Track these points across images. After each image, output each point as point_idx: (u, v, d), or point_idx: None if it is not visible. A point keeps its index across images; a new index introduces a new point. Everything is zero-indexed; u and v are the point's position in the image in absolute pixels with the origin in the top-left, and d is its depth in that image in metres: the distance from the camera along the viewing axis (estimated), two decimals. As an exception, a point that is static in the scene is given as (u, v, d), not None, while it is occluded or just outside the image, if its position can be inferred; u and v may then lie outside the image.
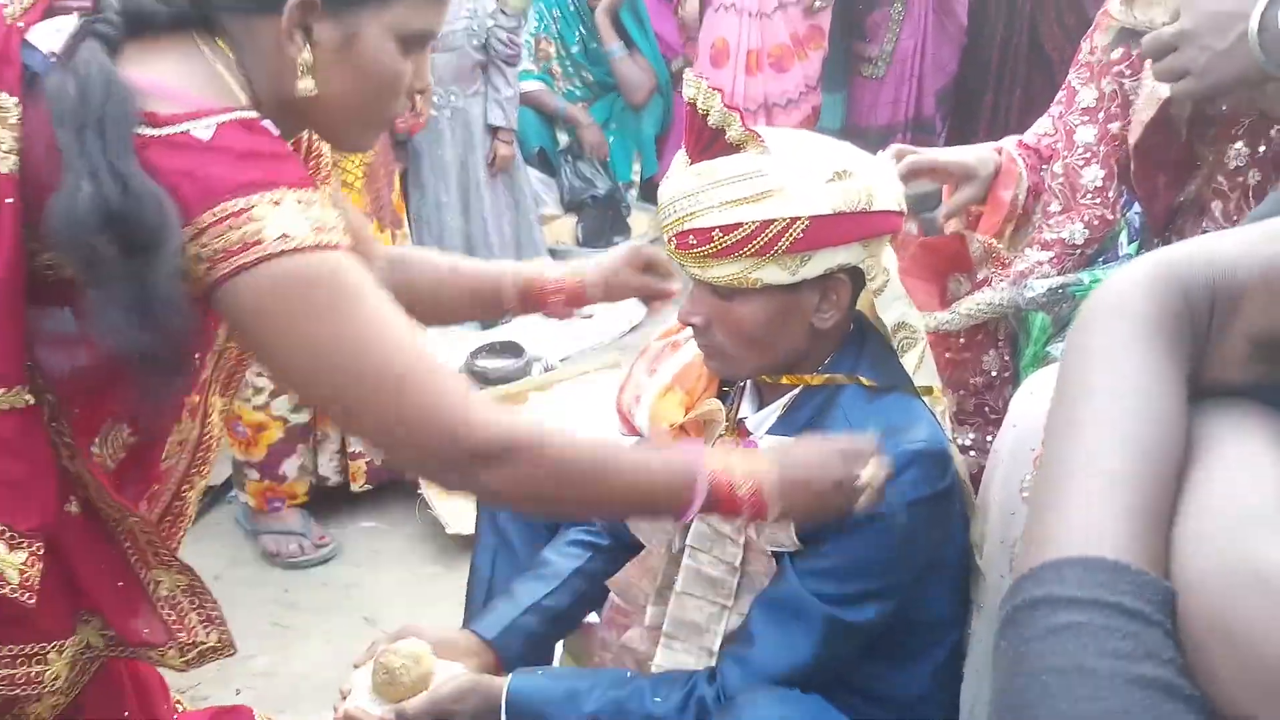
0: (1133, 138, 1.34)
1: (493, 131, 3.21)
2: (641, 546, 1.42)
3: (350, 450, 2.29)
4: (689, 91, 1.20)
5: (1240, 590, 0.40)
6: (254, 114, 0.90)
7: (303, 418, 2.21)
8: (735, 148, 1.19)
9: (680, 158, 1.26)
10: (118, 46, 0.89)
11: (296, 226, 0.85)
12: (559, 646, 1.60)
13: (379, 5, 0.94)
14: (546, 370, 2.95)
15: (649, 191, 4.02)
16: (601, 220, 3.65)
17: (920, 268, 1.51)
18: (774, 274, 1.18)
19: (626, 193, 3.90)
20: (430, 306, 1.34)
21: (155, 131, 0.84)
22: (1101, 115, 1.44)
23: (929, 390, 1.29)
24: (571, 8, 3.80)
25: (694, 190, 1.19)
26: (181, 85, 0.89)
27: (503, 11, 3.14)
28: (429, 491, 2.37)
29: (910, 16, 3.87)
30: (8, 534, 0.90)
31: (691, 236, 1.19)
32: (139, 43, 0.91)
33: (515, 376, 2.86)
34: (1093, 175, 1.41)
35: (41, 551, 0.91)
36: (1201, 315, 0.49)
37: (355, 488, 2.33)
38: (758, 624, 1.26)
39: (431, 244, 3.25)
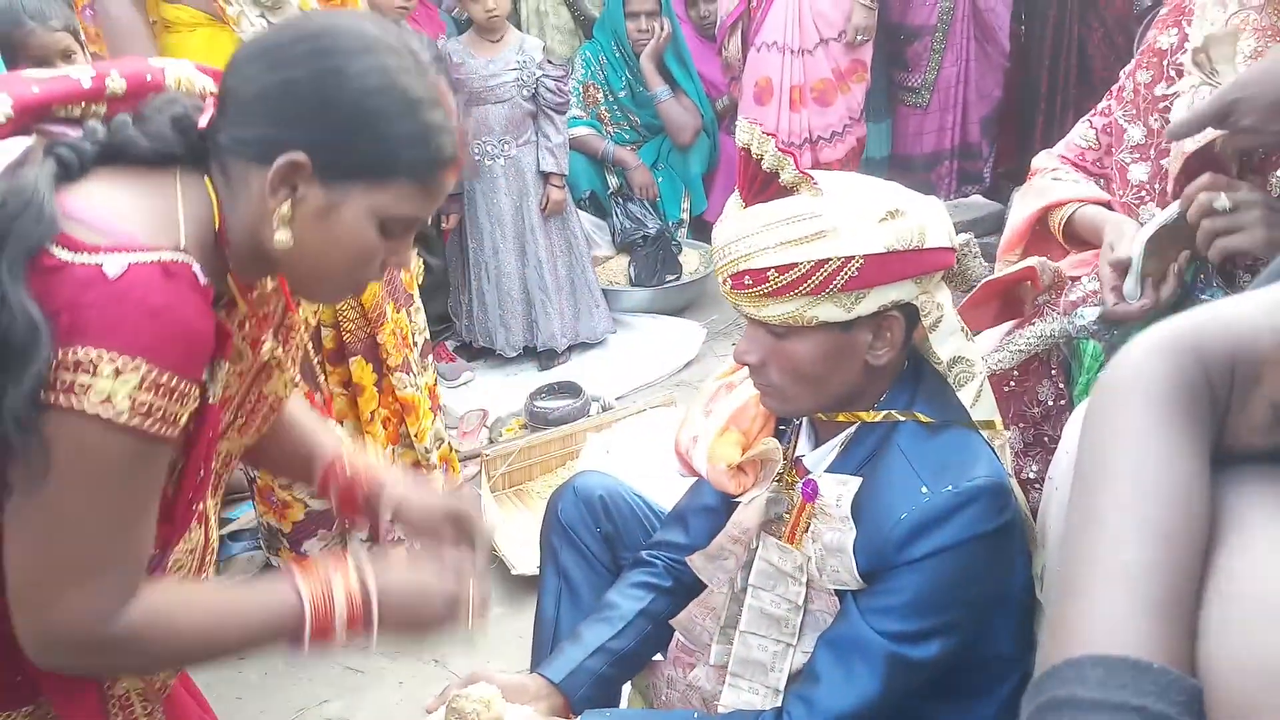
0: (1174, 168, 1.35)
1: (545, 177, 3.28)
2: (704, 586, 1.44)
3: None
4: (743, 137, 1.23)
5: (1268, 684, 0.39)
6: (183, 258, 0.89)
7: (321, 506, 2.20)
8: (789, 190, 1.22)
9: (734, 200, 1.28)
10: (76, 173, 0.90)
11: (121, 400, 0.85)
12: (627, 686, 1.62)
13: (368, 186, 0.96)
14: (604, 410, 2.98)
15: (699, 229, 4.05)
16: (653, 259, 3.69)
17: (979, 304, 1.51)
18: (829, 312, 1.20)
19: (676, 231, 3.94)
20: (262, 453, 1.30)
21: (67, 257, 0.84)
22: (1153, 152, 1.44)
23: (989, 424, 1.30)
24: (617, 54, 3.87)
25: (749, 232, 1.22)
26: (117, 216, 0.88)
27: (550, 61, 3.22)
28: (492, 533, 2.41)
29: (951, 45, 3.88)
30: None
31: (747, 277, 1.21)
32: (112, 169, 0.93)
33: (574, 417, 2.90)
34: (1148, 213, 1.41)
35: None
36: (1222, 385, 0.49)
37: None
38: (822, 662, 1.26)
39: (489, 289, 3.33)
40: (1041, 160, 1.67)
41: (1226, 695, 0.40)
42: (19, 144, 0.91)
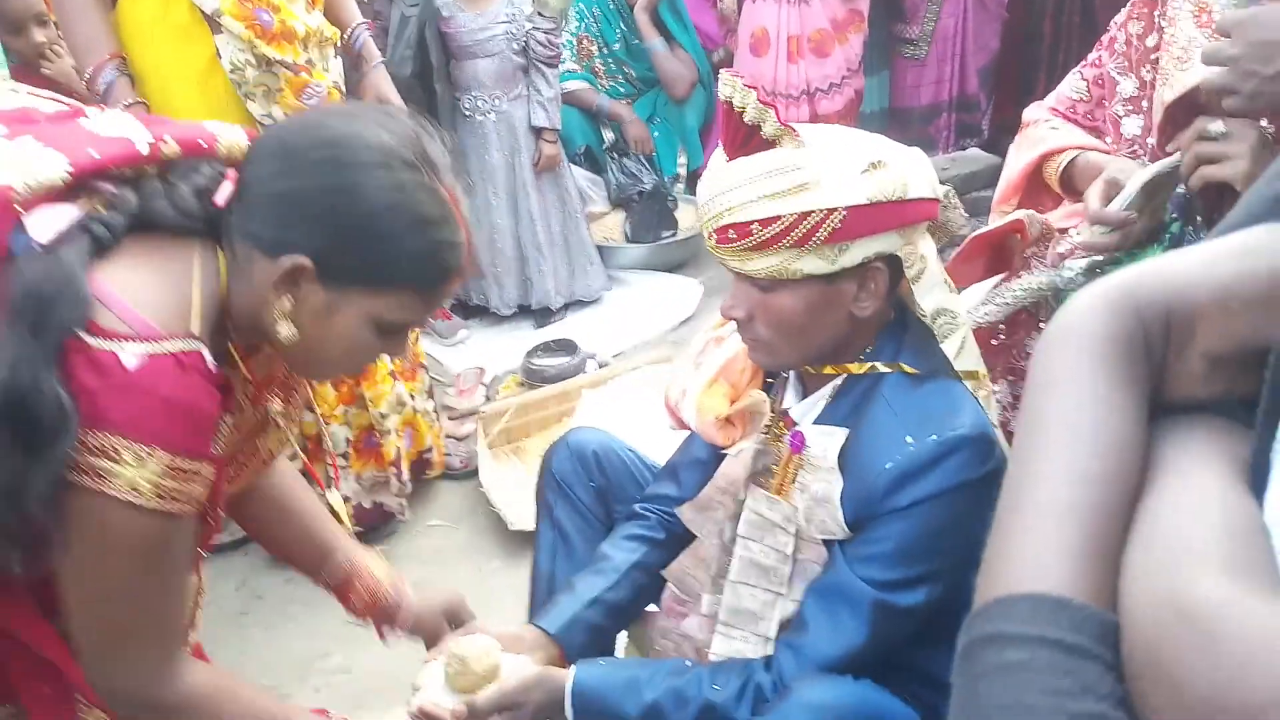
0: (1156, 118, 1.34)
1: (537, 132, 3.26)
2: (694, 537, 1.46)
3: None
4: (725, 90, 1.22)
5: (1169, 625, 0.40)
6: (195, 347, 0.93)
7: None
8: (771, 143, 1.21)
9: (718, 155, 1.28)
10: (110, 246, 0.93)
11: (145, 487, 0.90)
12: (621, 637, 1.65)
13: (370, 292, 0.99)
14: (601, 366, 2.99)
15: (695, 183, 4.03)
16: (649, 215, 3.68)
17: (968, 259, 1.51)
18: (813, 264, 1.21)
19: (673, 186, 3.92)
20: (263, 534, 1.40)
21: (90, 340, 0.87)
22: (1145, 104, 1.43)
23: (973, 375, 1.30)
24: (611, 6, 3.82)
25: (732, 186, 1.22)
26: (140, 302, 0.91)
27: (540, 14, 3.19)
28: (490, 489, 2.43)
29: (950, -6, 3.84)
30: None
31: (731, 231, 1.21)
32: (139, 238, 0.95)
33: (571, 374, 2.91)
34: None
35: None
36: (1157, 337, 0.50)
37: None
38: (810, 611, 1.29)
39: (482, 245, 3.32)
40: (1032, 112, 1.66)
41: (1138, 631, 0.42)
42: (65, 214, 0.93)
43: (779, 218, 1.18)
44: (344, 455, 2.26)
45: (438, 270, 1.02)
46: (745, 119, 1.21)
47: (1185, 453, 0.48)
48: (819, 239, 1.18)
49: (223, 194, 0.99)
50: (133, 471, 0.89)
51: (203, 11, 1.82)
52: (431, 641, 1.44)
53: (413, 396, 2.38)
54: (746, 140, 1.22)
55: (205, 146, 1.04)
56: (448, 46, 3.12)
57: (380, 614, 1.41)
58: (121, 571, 0.96)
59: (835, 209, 1.17)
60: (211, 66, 1.87)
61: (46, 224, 0.92)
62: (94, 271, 0.91)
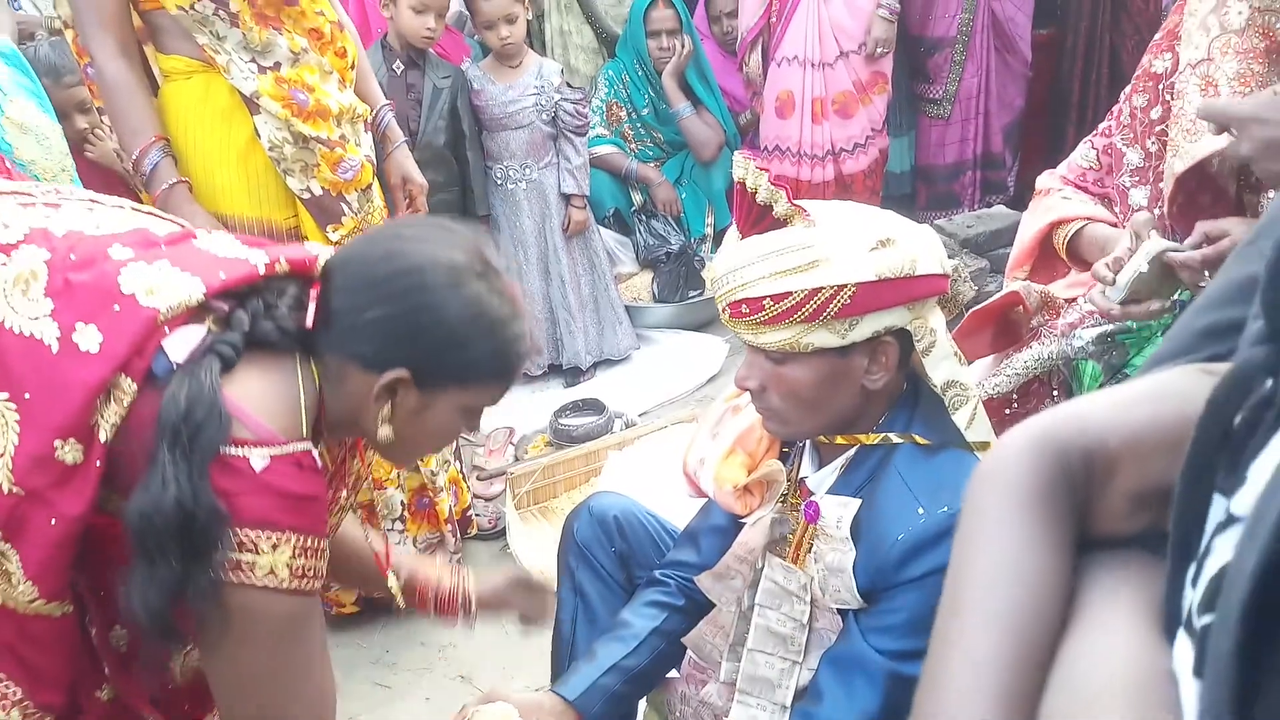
0: (1167, 189, 1.36)
1: (566, 199, 3.33)
2: (714, 605, 1.47)
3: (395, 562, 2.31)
4: (738, 172, 1.27)
5: None
6: (308, 447, 1.04)
7: None
8: (782, 222, 1.26)
9: (732, 233, 1.33)
10: (233, 365, 1.03)
11: (282, 571, 1.00)
12: (642, 703, 1.66)
13: (459, 389, 1.13)
14: (628, 426, 3.02)
15: (723, 242, 4.07)
16: (676, 275, 3.73)
17: (971, 334, 1.54)
18: (824, 338, 1.24)
19: (700, 247, 3.98)
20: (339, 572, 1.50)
21: (224, 450, 0.98)
22: (1152, 175, 1.46)
23: (985, 445, 1.32)
24: (640, 73, 3.92)
25: (745, 263, 1.26)
26: (261, 409, 1.01)
27: (568, 84, 3.28)
28: (517, 551, 2.46)
29: (972, 56, 3.89)
30: (24, 704, 1.04)
31: (745, 305, 1.25)
32: (251, 355, 1.05)
33: (598, 433, 2.94)
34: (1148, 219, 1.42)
35: None
36: (1080, 479, 0.51)
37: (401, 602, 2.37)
38: (825, 680, 1.30)
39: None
40: (1045, 180, 1.69)
41: None
42: (195, 334, 1.03)
43: (790, 293, 1.21)
44: (400, 519, 2.30)
45: (514, 359, 1.16)
46: (758, 199, 1.25)
47: (1104, 596, 0.49)
48: (829, 314, 1.22)
49: (310, 316, 1.09)
50: (269, 558, 0.99)
51: (242, 94, 1.90)
52: (504, 607, 1.61)
53: (448, 458, 2.42)
54: (759, 219, 1.26)
55: (310, 263, 1.13)
56: (479, 118, 3.22)
57: (452, 608, 1.56)
58: (270, 653, 1.03)
59: (845, 285, 1.21)
60: (251, 145, 1.95)
61: (182, 345, 1.02)
62: (223, 388, 1.00)
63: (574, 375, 3.44)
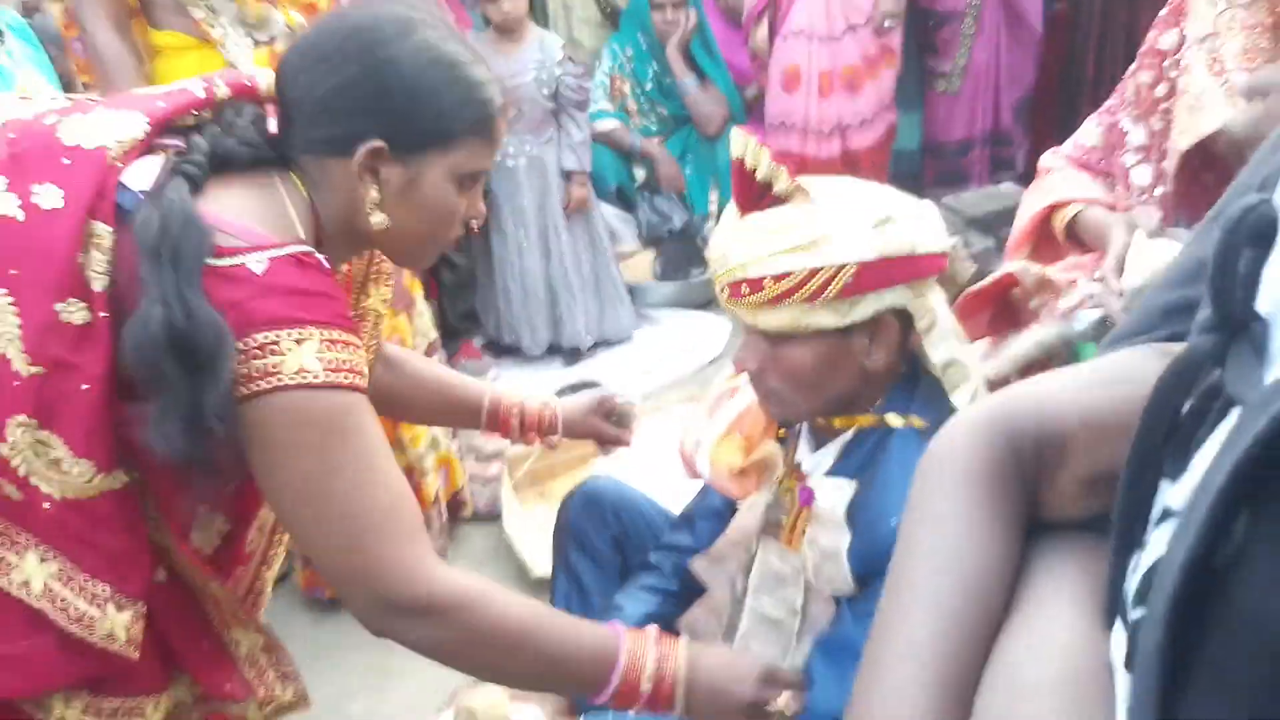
0: (1171, 166, 1.33)
1: (567, 175, 3.29)
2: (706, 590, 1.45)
3: None
4: (736, 149, 1.24)
5: None
6: (308, 248, 1.00)
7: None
8: (782, 200, 1.22)
9: (730, 211, 1.29)
10: (201, 185, 0.99)
11: (312, 364, 0.95)
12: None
13: (441, 150, 1.06)
14: (629, 406, 2.99)
15: (727, 220, 4.04)
16: (679, 254, 3.69)
17: (968, 316, 1.51)
18: (824, 318, 1.21)
19: (704, 224, 3.93)
20: (405, 408, 1.51)
21: (215, 262, 0.94)
22: (1155, 154, 1.43)
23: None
24: (644, 45, 3.87)
25: (745, 242, 1.23)
26: (246, 220, 0.99)
27: (570, 59, 3.23)
28: (513, 536, 2.44)
29: (982, 30, 3.82)
30: (116, 596, 1.00)
31: (744, 286, 1.22)
32: (220, 178, 1.02)
33: (598, 414, 2.91)
34: (1147, 215, 1.40)
35: (144, 611, 1.02)
36: (1030, 462, 0.50)
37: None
38: (817, 666, 1.27)
39: (514, 287, 3.36)
40: (1048, 160, 1.66)
41: None
42: (154, 163, 1.01)
43: (790, 273, 1.19)
44: None
45: (486, 106, 1.09)
46: (757, 176, 1.22)
47: (1048, 583, 0.48)
48: (830, 294, 1.19)
49: (273, 124, 1.07)
50: (296, 356, 0.94)
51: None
52: (587, 432, 1.61)
53: (438, 437, 2.40)
54: (759, 197, 1.23)
55: (250, 86, 1.10)
56: (479, 92, 3.17)
57: (537, 431, 1.55)
58: (325, 455, 0.98)
59: (846, 264, 1.18)
60: None
61: (143, 175, 0.99)
62: (199, 204, 0.97)
63: (573, 356, 3.41)
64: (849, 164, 3.81)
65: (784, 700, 1.14)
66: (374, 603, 1.02)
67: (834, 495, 1.28)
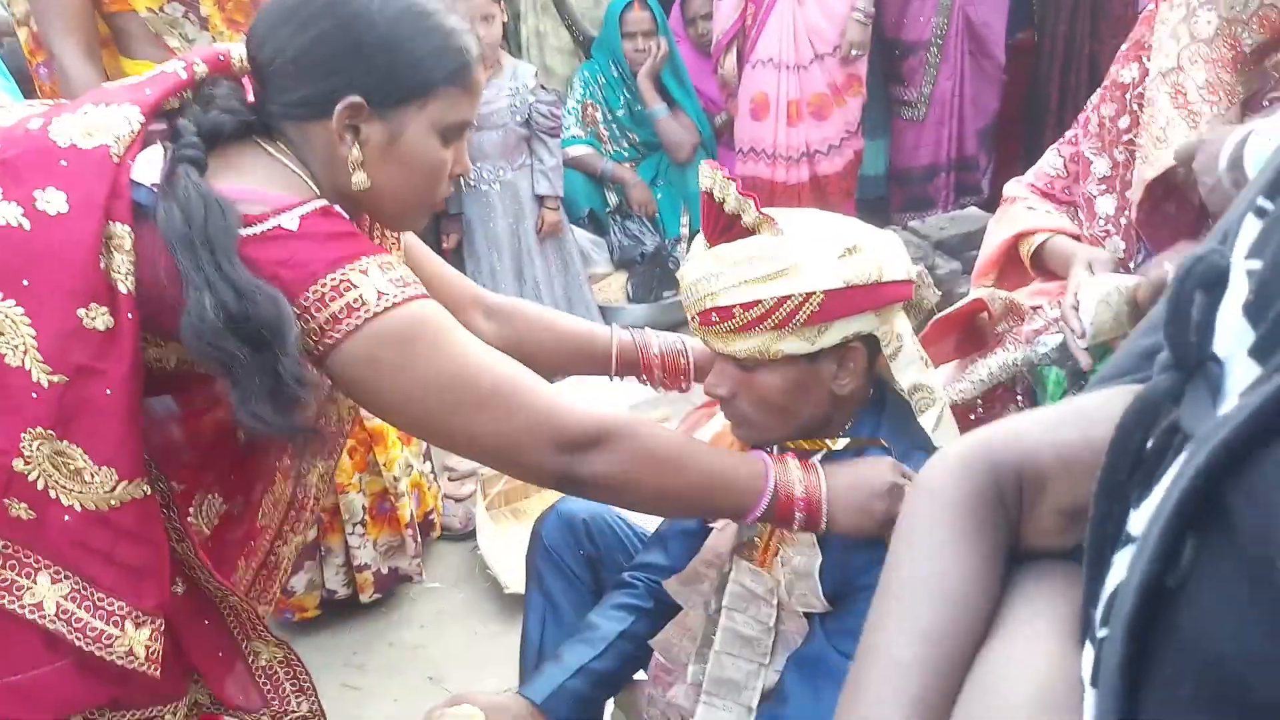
0: (1136, 196, 1.38)
1: (540, 200, 3.33)
2: (681, 607, 1.48)
3: (356, 564, 2.28)
4: (705, 182, 1.27)
5: None
6: (325, 202, 1.01)
7: (306, 538, 2.25)
8: (751, 231, 1.26)
9: (699, 242, 1.33)
10: (205, 166, 0.99)
11: (386, 287, 0.97)
12: (610, 704, 1.66)
13: (420, 103, 1.05)
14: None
15: (698, 244, 4.08)
16: (650, 276, 3.73)
17: (935, 340, 1.55)
18: (793, 345, 1.24)
19: (675, 248, 3.98)
20: (534, 361, 1.44)
21: (249, 230, 0.95)
22: (1119, 184, 1.48)
23: (950, 449, 1.33)
24: (615, 73, 3.92)
25: (714, 271, 1.25)
26: (260, 186, 0.99)
27: (542, 87, 3.28)
28: (487, 553, 2.45)
29: (946, 59, 3.92)
30: (134, 613, 0.99)
31: (714, 314, 1.25)
32: (218, 153, 1.02)
33: (571, 435, 2.93)
34: (1114, 245, 1.45)
35: (162, 628, 1.01)
36: (1012, 495, 0.53)
37: (364, 599, 2.33)
38: (790, 683, 1.30)
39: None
40: (1013, 189, 1.70)
41: None
42: (157, 154, 1.00)
43: (759, 301, 1.22)
44: (361, 523, 2.29)
45: (463, 54, 1.08)
46: (726, 208, 1.25)
47: (1027, 606, 0.51)
48: (799, 321, 1.22)
49: (251, 94, 1.06)
50: (369, 284, 0.95)
51: None
52: None
53: (411, 461, 2.41)
54: (727, 228, 1.27)
55: (224, 61, 1.09)
56: (453, 117, 3.21)
57: (676, 378, 1.51)
58: (444, 360, 0.99)
59: (813, 292, 1.21)
60: None
61: (150, 168, 0.99)
62: (211, 184, 0.97)
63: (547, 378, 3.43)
64: (817, 190, 3.88)
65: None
66: (552, 450, 1.03)
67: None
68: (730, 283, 1.24)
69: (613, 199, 3.94)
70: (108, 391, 0.93)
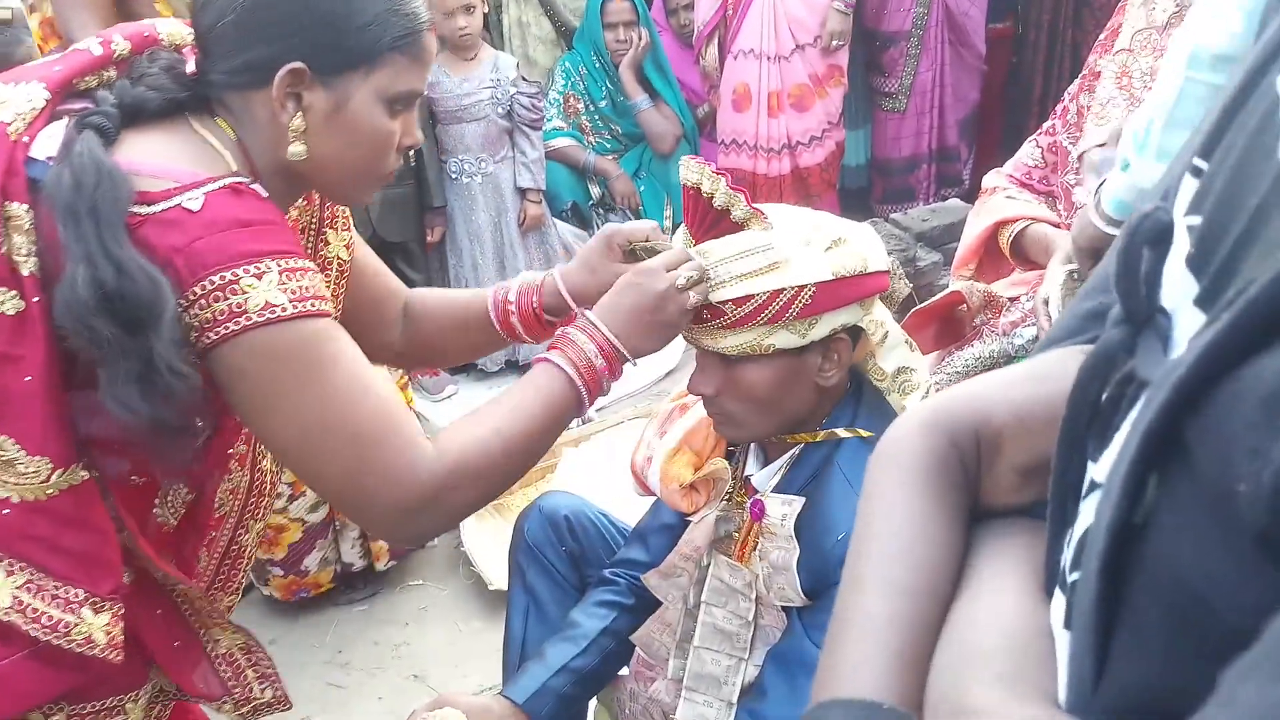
0: (1068, 174, 1.39)
1: (522, 193, 3.32)
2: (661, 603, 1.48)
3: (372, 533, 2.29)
4: (691, 177, 1.25)
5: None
6: (242, 179, 0.96)
7: (319, 517, 2.23)
8: (739, 226, 1.25)
9: (682, 238, 1.32)
10: (114, 136, 0.95)
11: (277, 297, 0.92)
12: (592, 701, 1.66)
13: (365, 71, 1.01)
14: (584, 422, 3.02)
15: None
16: (634, 269, 3.73)
17: (914, 331, 1.56)
18: (784, 339, 1.24)
19: (658, 240, 3.97)
20: (441, 348, 1.41)
21: (148, 209, 0.90)
22: None
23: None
24: (597, 64, 3.90)
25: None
26: (170, 161, 0.94)
27: (524, 78, 3.26)
28: (472, 549, 2.45)
29: (926, 50, 3.92)
30: (91, 599, 0.96)
31: (705, 311, 1.24)
32: (135, 129, 0.98)
33: (554, 429, 2.93)
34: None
35: (121, 612, 0.99)
36: (970, 454, 0.54)
37: (380, 567, 2.35)
38: (769, 677, 1.31)
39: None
40: (992, 179, 1.71)
41: None
42: (59, 127, 0.95)
43: (752, 297, 1.21)
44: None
45: (411, 25, 1.03)
46: (715, 204, 1.25)
47: (992, 562, 0.52)
48: (791, 315, 1.22)
49: (191, 64, 1.01)
50: (259, 291, 0.90)
51: None
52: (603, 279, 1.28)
53: None
54: (715, 223, 1.26)
55: (149, 37, 1.05)
56: (433, 111, 3.19)
57: (539, 322, 1.34)
58: (313, 393, 0.95)
59: (805, 285, 1.21)
60: None
61: (49, 142, 0.94)
62: (113, 155, 0.92)
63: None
64: (799, 181, 3.88)
65: (686, 273, 1.18)
66: (396, 514, 1.00)
67: (783, 510, 1.31)
68: (722, 278, 1.23)
69: (596, 192, 3.93)
70: (27, 378, 0.90)
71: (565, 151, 3.82)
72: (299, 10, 0.97)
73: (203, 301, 0.90)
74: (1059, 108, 1.67)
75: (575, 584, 1.67)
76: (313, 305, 0.95)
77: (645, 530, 1.60)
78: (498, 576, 2.29)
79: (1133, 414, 0.41)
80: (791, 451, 1.36)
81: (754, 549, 1.36)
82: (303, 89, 0.99)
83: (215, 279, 0.90)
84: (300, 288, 0.94)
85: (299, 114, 0.99)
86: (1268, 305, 0.32)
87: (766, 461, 1.41)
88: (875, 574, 0.51)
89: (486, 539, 2.50)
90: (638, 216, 3.89)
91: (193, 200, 0.91)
